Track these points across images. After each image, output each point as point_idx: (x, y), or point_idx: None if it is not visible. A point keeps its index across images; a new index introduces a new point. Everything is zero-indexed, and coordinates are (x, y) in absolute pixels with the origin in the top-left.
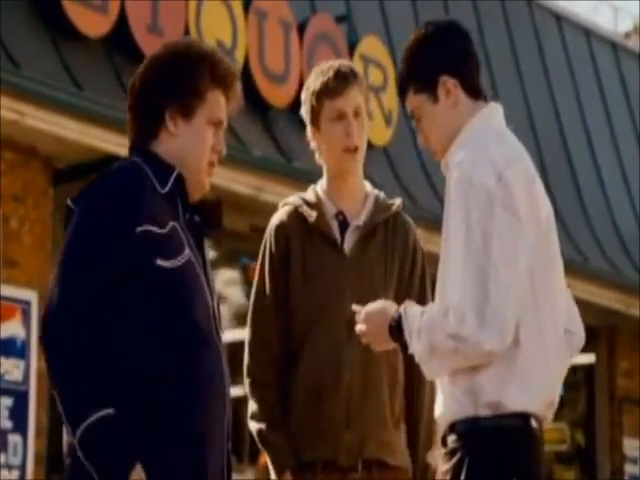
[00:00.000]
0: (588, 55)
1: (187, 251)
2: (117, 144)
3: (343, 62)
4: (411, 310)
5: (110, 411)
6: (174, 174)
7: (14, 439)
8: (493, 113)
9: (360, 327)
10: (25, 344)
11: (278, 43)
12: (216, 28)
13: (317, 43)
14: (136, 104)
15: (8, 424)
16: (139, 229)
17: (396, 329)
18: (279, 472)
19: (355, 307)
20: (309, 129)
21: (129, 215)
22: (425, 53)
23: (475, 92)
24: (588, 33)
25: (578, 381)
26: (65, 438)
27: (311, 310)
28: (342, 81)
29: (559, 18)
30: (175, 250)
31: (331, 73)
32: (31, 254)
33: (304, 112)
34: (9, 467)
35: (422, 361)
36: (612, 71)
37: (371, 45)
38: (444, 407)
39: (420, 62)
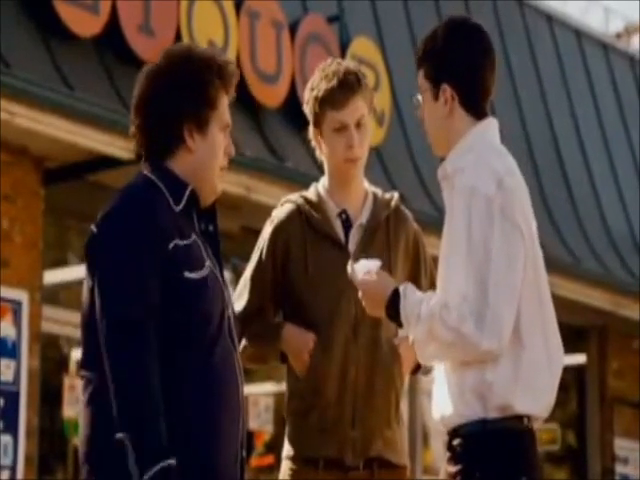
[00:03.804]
0: (579, 56)
1: (207, 262)
2: (108, 144)
3: (349, 67)
4: (411, 294)
5: (173, 462)
6: (187, 191)
7: (5, 440)
8: (489, 128)
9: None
10: (16, 344)
11: (270, 43)
12: (208, 28)
13: (309, 43)
14: (148, 124)
15: None
16: (170, 245)
17: (392, 307)
18: (278, 333)
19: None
20: (311, 129)
21: (159, 234)
22: (448, 49)
23: (475, 110)
24: (579, 34)
25: (569, 381)
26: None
27: (317, 310)
28: (347, 92)
29: (550, 19)
30: (199, 261)
31: (335, 82)
32: (22, 254)
33: (306, 111)
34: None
35: (418, 345)
36: (603, 72)
37: (363, 46)
38: (451, 409)
39: (439, 55)
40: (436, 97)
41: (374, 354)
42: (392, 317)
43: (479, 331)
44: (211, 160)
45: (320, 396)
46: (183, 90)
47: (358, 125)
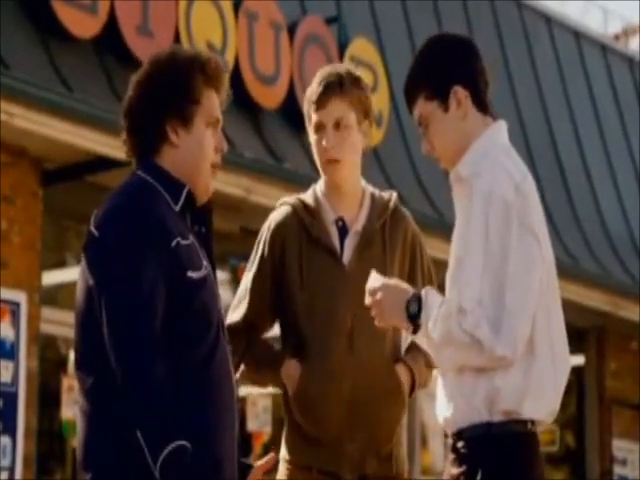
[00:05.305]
0: (578, 57)
1: (205, 262)
2: (107, 145)
3: (337, 70)
4: (432, 297)
5: (186, 443)
6: (184, 191)
7: (3, 441)
8: (500, 130)
9: (373, 298)
10: (14, 345)
11: (268, 44)
12: (206, 29)
13: (307, 44)
14: (135, 125)
15: None
16: (173, 244)
17: (413, 310)
18: (277, 366)
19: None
20: (308, 132)
21: (162, 233)
22: (440, 61)
23: (484, 107)
24: (578, 35)
25: (568, 383)
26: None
27: (312, 320)
28: (325, 92)
29: (549, 20)
30: (198, 261)
31: (318, 81)
32: (21, 255)
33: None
34: None
35: (435, 348)
36: (601, 73)
37: (361, 46)
38: (456, 411)
39: (434, 69)
40: (446, 109)
41: (370, 364)
42: (410, 320)
43: (494, 337)
44: (199, 155)
45: (316, 410)
46: (165, 87)
47: (337, 126)
